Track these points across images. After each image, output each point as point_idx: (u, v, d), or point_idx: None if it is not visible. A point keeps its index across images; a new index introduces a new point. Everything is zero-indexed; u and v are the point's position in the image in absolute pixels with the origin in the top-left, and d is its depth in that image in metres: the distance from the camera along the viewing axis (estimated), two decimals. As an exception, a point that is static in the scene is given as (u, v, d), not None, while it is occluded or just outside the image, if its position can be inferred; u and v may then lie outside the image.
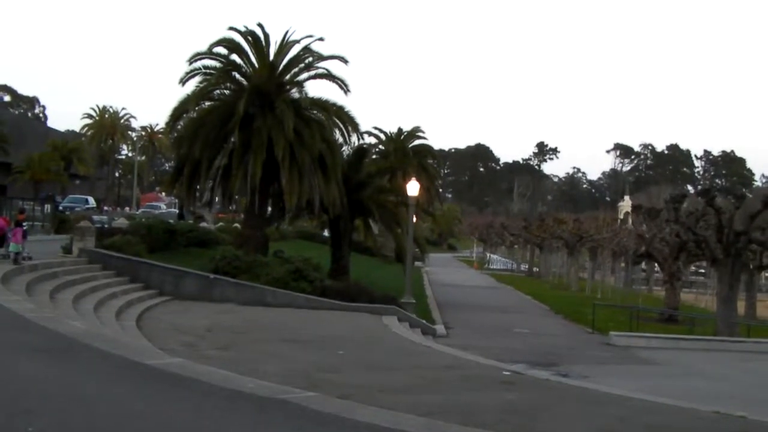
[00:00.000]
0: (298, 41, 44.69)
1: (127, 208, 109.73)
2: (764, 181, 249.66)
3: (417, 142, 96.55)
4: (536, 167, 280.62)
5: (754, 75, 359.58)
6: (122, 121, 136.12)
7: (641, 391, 21.35)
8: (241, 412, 11.57)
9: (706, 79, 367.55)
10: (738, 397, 24.84)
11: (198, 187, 46.16)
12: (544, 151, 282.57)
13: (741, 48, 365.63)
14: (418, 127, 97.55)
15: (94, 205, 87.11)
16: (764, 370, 34.36)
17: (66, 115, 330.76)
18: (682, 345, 40.53)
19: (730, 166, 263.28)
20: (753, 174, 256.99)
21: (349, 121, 46.49)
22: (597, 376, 28.27)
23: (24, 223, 31.25)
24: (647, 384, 26.62)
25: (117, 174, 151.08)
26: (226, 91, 45.88)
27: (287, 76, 45.57)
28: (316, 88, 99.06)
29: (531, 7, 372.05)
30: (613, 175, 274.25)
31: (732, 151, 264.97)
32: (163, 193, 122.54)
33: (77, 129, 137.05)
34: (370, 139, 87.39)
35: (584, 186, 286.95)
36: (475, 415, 16.16)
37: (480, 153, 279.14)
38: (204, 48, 44.35)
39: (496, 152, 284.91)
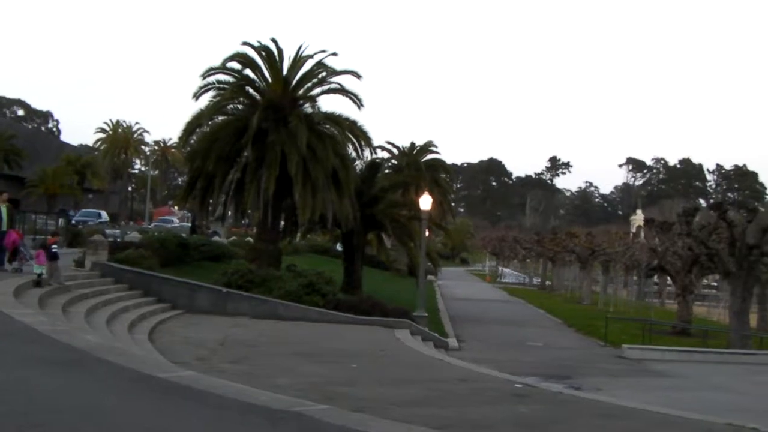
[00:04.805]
0: (311, 56, 44.77)
1: (131, 222, 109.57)
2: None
3: (430, 156, 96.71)
4: (549, 181, 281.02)
5: (766, 90, 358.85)
6: (135, 135, 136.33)
7: (654, 403, 21.29)
8: (255, 425, 11.56)
9: (718, 93, 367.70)
10: (751, 409, 24.76)
11: (211, 201, 46.26)
12: (556, 165, 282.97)
13: (754, 62, 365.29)
14: (430, 142, 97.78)
15: (107, 219, 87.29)
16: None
17: (79, 129, 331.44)
18: (694, 357, 40.40)
19: (743, 180, 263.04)
20: (765, 188, 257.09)
21: (362, 136, 46.53)
22: (610, 388, 28.20)
23: (54, 246, 30.77)
24: (660, 396, 26.56)
25: (130, 188, 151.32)
26: (240, 106, 45.94)
27: (300, 91, 45.61)
28: (329, 103, 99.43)
29: (544, 22, 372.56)
30: (625, 189, 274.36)
31: (744, 165, 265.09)
32: (176, 207, 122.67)
33: (90, 143, 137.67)
34: (383, 154, 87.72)
35: (596, 200, 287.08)
36: (488, 428, 16.15)
37: (492, 167, 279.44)
38: (217, 63, 44.44)
39: (509, 167, 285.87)
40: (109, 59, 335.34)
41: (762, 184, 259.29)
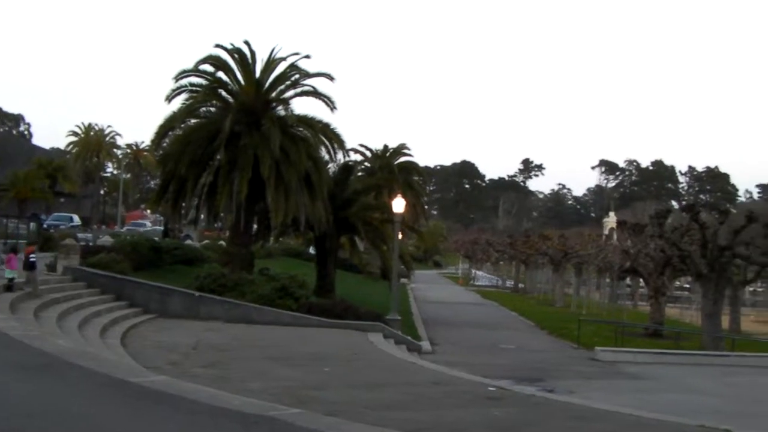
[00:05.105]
0: (284, 59, 44.77)
1: (104, 226, 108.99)
2: (748, 196, 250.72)
3: (403, 159, 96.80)
4: (522, 184, 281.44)
5: (738, 92, 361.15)
6: (108, 138, 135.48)
7: (627, 405, 21.32)
8: (228, 430, 11.53)
9: (690, 95, 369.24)
10: (723, 410, 24.87)
11: (183, 204, 46.18)
12: (529, 167, 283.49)
13: (724, 65, 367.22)
14: (403, 145, 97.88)
15: (79, 223, 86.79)
16: (749, 384, 34.40)
17: (51, 132, 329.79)
18: (667, 360, 40.56)
19: (714, 181, 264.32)
20: (737, 189, 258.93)
21: (335, 139, 46.50)
22: (583, 391, 28.24)
23: (32, 256, 30.65)
24: (633, 398, 26.60)
25: (102, 192, 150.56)
26: (213, 109, 45.84)
27: (273, 94, 45.55)
28: (303, 106, 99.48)
29: (516, 25, 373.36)
30: (598, 191, 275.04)
31: (716, 167, 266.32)
32: (149, 211, 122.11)
33: (62, 147, 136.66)
34: (356, 157, 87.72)
35: (569, 202, 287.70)
36: (462, 431, 16.16)
37: (465, 170, 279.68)
38: (190, 65, 44.32)
39: (482, 169, 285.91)
40: (81, 62, 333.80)
41: (734, 186, 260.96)
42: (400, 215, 43.39)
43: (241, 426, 11.70)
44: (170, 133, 45.07)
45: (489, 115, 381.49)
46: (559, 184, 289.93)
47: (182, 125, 44.90)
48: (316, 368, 24.78)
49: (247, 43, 44.66)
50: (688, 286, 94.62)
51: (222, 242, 63.15)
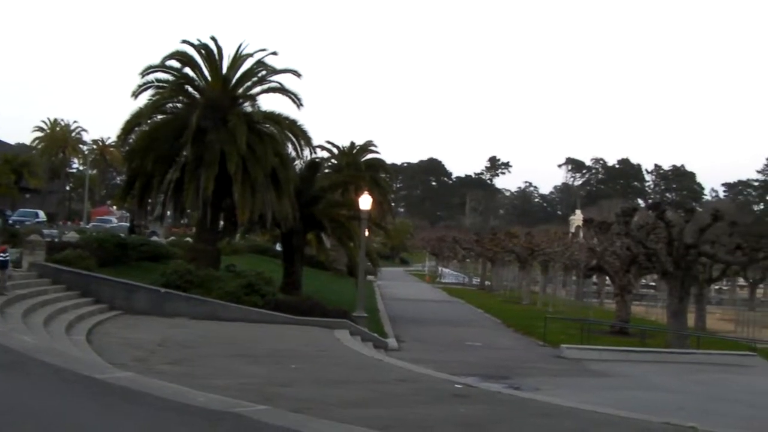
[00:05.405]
0: (251, 55, 44.69)
1: (69, 222, 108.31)
2: (714, 195, 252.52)
3: (369, 156, 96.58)
4: (488, 181, 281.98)
5: (704, 91, 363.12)
6: (74, 134, 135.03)
7: (593, 403, 21.40)
8: (193, 426, 11.52)
9: (656, 94, 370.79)
10: (688, 408, 25.02)
11: (150, 200, 46.07)
12: (496, 165, 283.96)
13: (691, 65, 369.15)
14: (370, 141, 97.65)
15: (45, 219, 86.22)
16: (714, 382, 34.60)
17: (16, 127, 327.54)
18: (633, 357, 40.74)
19: (681, 180, 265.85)
20: (703, 188, 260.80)
21: (301, 135, 46.47)
22: (549, 388, 28.34)
23: (3, 255, 30.48)
24: (599, 396, 26.72)
25: (68, 188, 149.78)
26: (179, 105, 45.71)
27: (240, 90, 45.49)
28: (269, 102, 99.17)
29: (483, 21, 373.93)
30: (564, 189, 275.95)
31: (682, 166, 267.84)
32: (115, 207, 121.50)
33: (28, 142, 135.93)
34: (322, 153, 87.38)
35: (536, 200, 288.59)
36: (429, 428, 16.18)
37: (432, 167, 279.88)
38: (157, 61, 44.21)
39: (449, 166, 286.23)
40: (47, 57, 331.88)
41: (700, 185, 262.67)
42: (366, 212, 43.39)
43: (206, 422, 11.69)
44: (137, 129, 44.88)
45: (456, 112, 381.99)
46: (526, 181, 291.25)
47: (149, 121, 44.76)
48: (283, 365, 24.77)
49: (213, 39, 44.62)
50: (653, 284, 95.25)
51: (188, 239, 63.02)
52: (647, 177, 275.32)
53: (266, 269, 44.47)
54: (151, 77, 43.79)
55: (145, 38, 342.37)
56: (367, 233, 47.23)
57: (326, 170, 77.79)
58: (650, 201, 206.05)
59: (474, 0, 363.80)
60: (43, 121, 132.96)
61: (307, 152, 48.56)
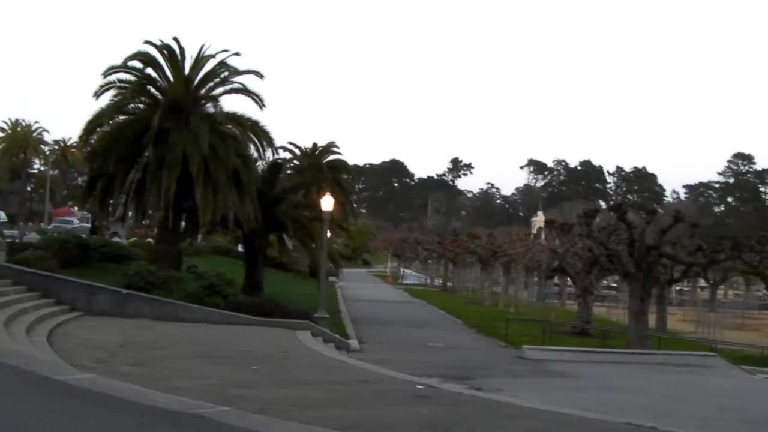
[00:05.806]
0: (213, 56, 44.55)
1: (30, 223, 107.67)
2: (675, 196, 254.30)
3: (332, 157, 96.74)
4: (450, 183, 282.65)
5: (666, 93, 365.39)
6: (35, 134, 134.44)
7: (555, 403, 21.47)
8: (154, 428, 11.50)
9: (618, 96, 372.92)
10: (649, 408, 25.19)
11: (111, 201, 45.82)
12: (458, 166, 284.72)
13: (652, 66, 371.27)
14: (333, 143, 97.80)
15: (5, 220, 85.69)
16: (675, 382, 34.83)
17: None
18: (594, 358, 40.91)
19: (642, 181, 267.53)
20: (664, 190, 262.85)
21: (264, 136, 46.43)
22: (511, 389, 28.37)
23: None
24: (561, 397, 26.81)
25: (29, 188, 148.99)
26: (141, 106, 45.49)
27: (203, 91, 45.37)
28: (232, 103, 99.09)
29: (445, 23, 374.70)
30: (526, 190, 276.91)
31: (644, 168, 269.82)
32: (76, 208, 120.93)
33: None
34: (285, 155, 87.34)
35: (498, 201, 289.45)
36: (391, 429, 16.21)
37: (395, 169, 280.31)
38: (119, 61, 43.99)
39: (411, 168, 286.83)
40: (7, 57, 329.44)
41: (661, 186, 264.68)
42: (329, 213, 43.41)
43: (168, 424, 11.68)
44: (98, 129, 44.62)
45: (418, 114, 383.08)
46: (488, 183, 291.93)
47: (110, 122, 44.51)
48: (245, 366, 24.71)
49: (176, 39, 44.45)
50: (615, 285, 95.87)
51: (150, 240, 62.75)
52: (609, 179, 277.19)
53: (228, 270, 44.37)
54: (113, 78, 43.57)
55: (108, 38, 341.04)
56: (329, 234, 47.29)
57: (289, 171, 77.73)
58: (612, 202, 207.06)
59: (435, 2, 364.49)
60: (4, 122, 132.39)
61: (269, 153, 48.60)
